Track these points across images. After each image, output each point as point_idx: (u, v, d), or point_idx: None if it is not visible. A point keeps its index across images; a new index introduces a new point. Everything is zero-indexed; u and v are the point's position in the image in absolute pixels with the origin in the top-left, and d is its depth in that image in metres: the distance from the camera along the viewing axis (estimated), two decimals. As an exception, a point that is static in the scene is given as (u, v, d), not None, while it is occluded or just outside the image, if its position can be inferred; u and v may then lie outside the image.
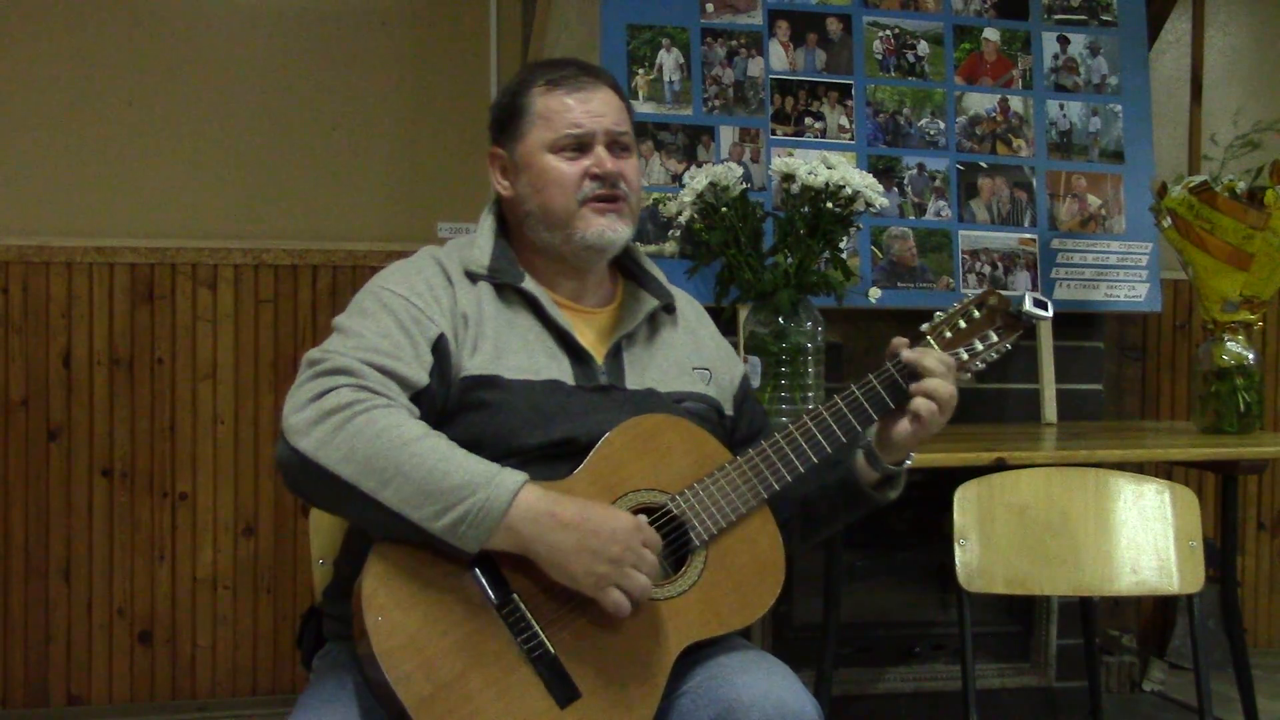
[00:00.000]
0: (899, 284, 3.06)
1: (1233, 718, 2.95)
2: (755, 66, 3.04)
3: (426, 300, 1.71)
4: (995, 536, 2.29)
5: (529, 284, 1.78)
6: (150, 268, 3.47)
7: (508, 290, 1.77)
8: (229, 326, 3.52)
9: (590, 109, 1.79)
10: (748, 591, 1.68)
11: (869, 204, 2.56)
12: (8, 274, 3.40)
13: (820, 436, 1.71)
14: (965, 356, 1.75)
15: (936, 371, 1.71)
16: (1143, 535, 2.33)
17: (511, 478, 1.55)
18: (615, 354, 1.80)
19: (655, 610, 1.62)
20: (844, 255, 2.67)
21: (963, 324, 1.76)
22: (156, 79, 3.51)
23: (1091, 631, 3.11)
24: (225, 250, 3.51)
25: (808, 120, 3.07)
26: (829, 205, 2.53)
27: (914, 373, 1.71)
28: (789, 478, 1.71)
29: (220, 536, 3.51)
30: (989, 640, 3.20)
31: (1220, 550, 3.00)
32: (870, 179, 2.57)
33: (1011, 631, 3.26)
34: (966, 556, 2.27)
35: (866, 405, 1.72)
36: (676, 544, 1.67)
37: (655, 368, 1.82)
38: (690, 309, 1.96)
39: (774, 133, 3.03)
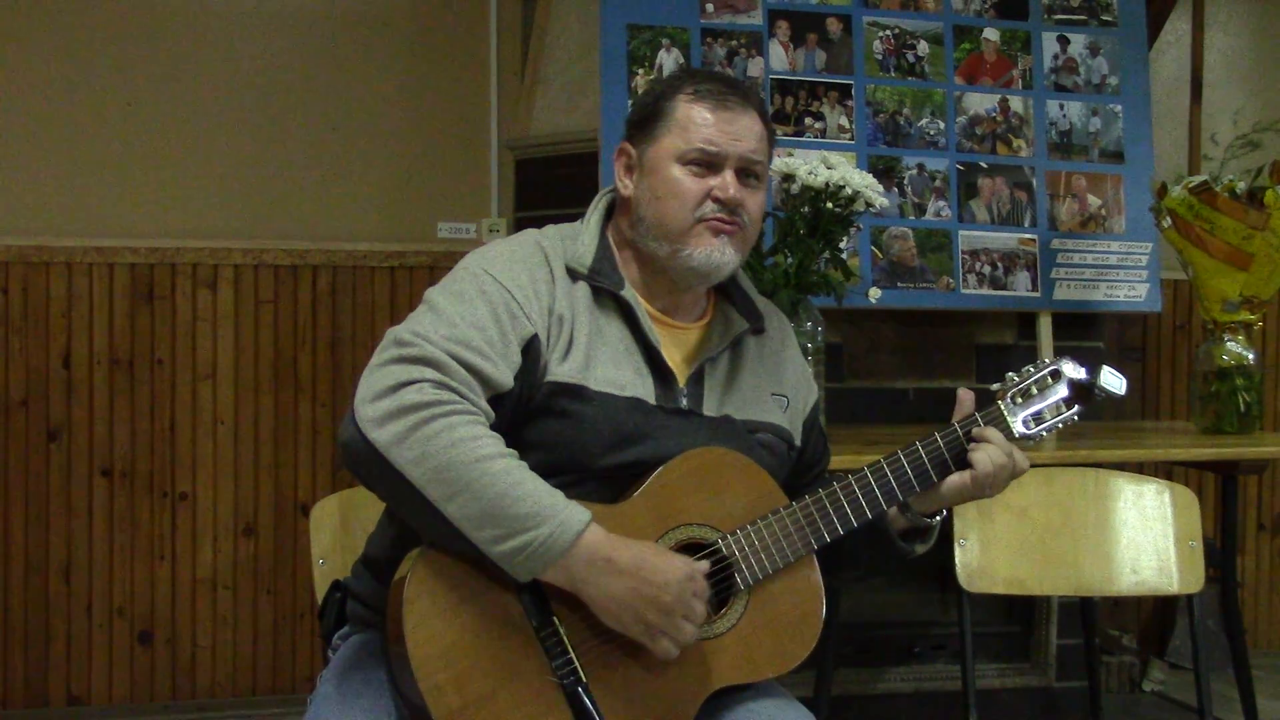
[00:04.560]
0: (899, 284, 3.06)
1: (1233, 718, 2.95)
2: (755, 66, 3.04)
3: (527, 294, 1.65)
4: (995, 536, 2.29)
5: (628, 292, 1.73)
6: (150, 268, 3.47)
7: (604, 295, 1.72)
8: (229, 326, 3.52)
9: (730, 130, 1.72)
10: (784, 641, 1.67)
11: (869, 204, 2.56)
12: (8, 274, 3.40)
13: (879, 491, 1.70)
14: (1033, 424, 1.74)
15: (1000, 444, 1.71)
16: (1143, 535, 2.33)
17: (578, 516, 1.52)
18: (698, 378, 1.75)
19: (691, 648, 1.60)
20: (844, 255, 2.66)
21: (1035, 390, 1.75)
22: (157, 79, 3.51)
23: (1091, 631, 3.11)
24: (225, 250, 3.51)
25: (808, 120, 3.07)
26: (829, 205, 2.52)
27: (978, 439, 1.72)
28: (841, 530, 1.69)
29: (220, 536, 3.51)
30: (989, 640, 3.20)
31: (1220, 550, 3.00)
32: (870, 179, 2.57)
33: (1011, 631, 3.26)
34: (966, 556, 2.28)
35: (929, 466, 1.72)
36: (721, 583, 1.65)
37: (735, 394, 1.78)
38: (777, 330, 1.90)
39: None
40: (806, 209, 2.55)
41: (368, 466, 1.54)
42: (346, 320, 3.58)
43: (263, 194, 3.57)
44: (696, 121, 1.72)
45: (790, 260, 2.57)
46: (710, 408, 1.74)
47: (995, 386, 1.76)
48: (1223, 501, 2.94)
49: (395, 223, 3.64)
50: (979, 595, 2.28)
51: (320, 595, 1.90)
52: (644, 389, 1.69)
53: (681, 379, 1.74)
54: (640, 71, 2.96)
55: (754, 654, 1.65)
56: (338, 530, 1.99)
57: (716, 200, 1.71)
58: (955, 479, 1.71)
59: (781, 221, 2.62)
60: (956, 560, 2.27)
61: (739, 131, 1.72)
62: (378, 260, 3.59)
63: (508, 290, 1.64)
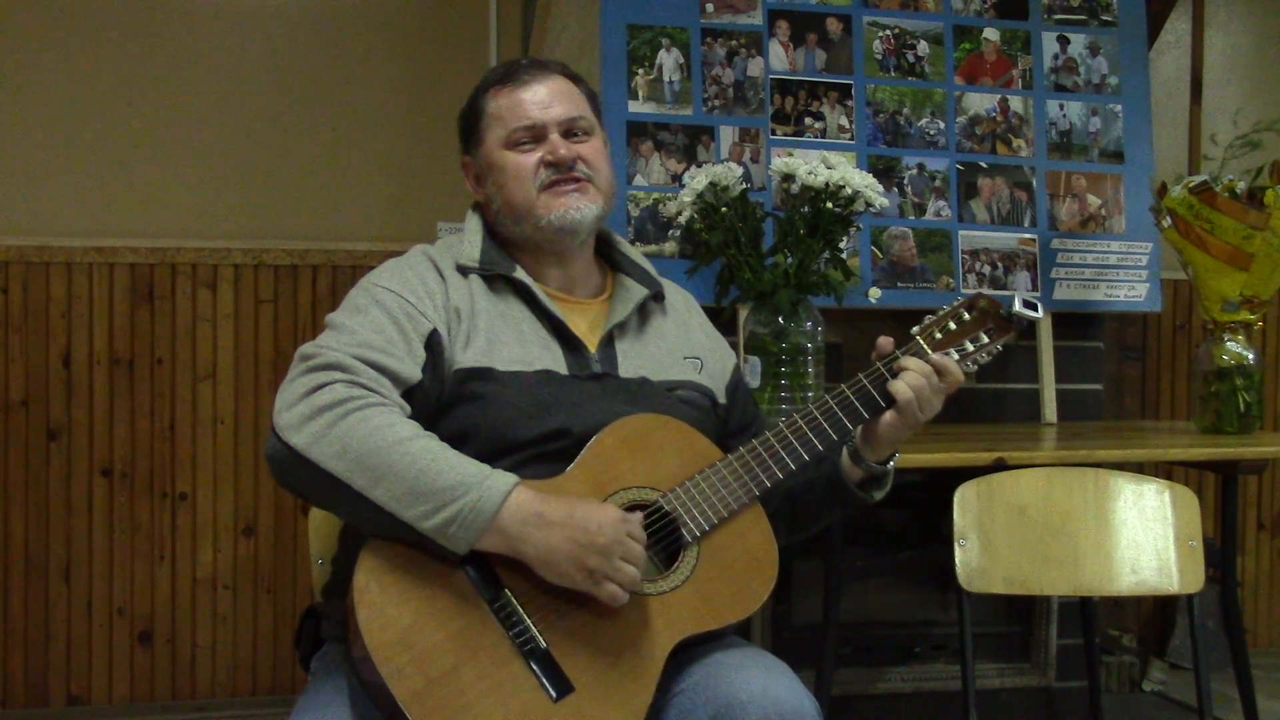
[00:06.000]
0: (899, 284, 3.06)
1: (1233, 718, 2.95)
2: (755, 66, 3.04)
3: (419, 295, 1.73)
4: (995, 536, 2.29)
5: (520, 273, 1.80)
6: (150, 268, 3.47)
7: (499, 281, 1.80)
8: (229, 326, 3.52)
9: (538, 101, 1.82)
10: (741, 585, 1.69)
11: (869, 204, 2.56)
12: (8, 274, 3.40)
13: (811, 434, 1.74)
14: (956, 358, 1.77)
15: (916, 368, 1.75)
16: (1143, 535, 2.33)
17: (503, 479, 1.56)
18: (608, 343, 1.81)
19: (648, 605, 1.62)
20: (844, 255, 2.67)
21: (953, 326, 1.79)
22: (157, 79, 3.51)
23: (1091, 631, 3.11)
24: (225, 250, 3.51)
25: (808, 120, 3.07)
26: (829, 205, 2.53)
27: (899, 370, 1.76)
28: (780, 475, 1.72)
29: (220, 536, 3.51)
30: (989, 640, 3.20)
31: (1220, 550, 3.00)
32: (870, 179, 2.57)
33: (1011, 631, 3.26)
34: (966, 556, 2.27)
35: (857, 403, 1.76)
36: (669, 541, 1.68)
37: (648, 356, 1.83)
38: (679, 299, 1.98)
39: (774, 133, 3.03)
40: (806, 209, 2.56)
41: (294, 472, 1.59)
42: (346, 320, 3.58)
43: (263, 194, 3.57)
44: (507, 106, 1.83)
45: (790, 260, 2.57)
46: (625, 371, 1.79)
47: (914, 329, 1.80)
48: (1223, 501, 2.94)
49: (395, 223, 3.64)
50: (979, 595, 2.28)
51: (320, 595, 1.92)
52: (553, 361, 1.75)
53: (592, 346, 1.79)
54: (640, 71, 2.96)
55: (713, 601, 1.66)
56: (337, 530, 1.99)
57: (549, 164, 1.80)
58: (887, 417, 1.75)
59: (781, 221, 2.62)
60: (956, 560, 2.27)
61: (545, 99, 1.83)
62: (377, 260, 3.54)
63: (400, 295, 1.73)
